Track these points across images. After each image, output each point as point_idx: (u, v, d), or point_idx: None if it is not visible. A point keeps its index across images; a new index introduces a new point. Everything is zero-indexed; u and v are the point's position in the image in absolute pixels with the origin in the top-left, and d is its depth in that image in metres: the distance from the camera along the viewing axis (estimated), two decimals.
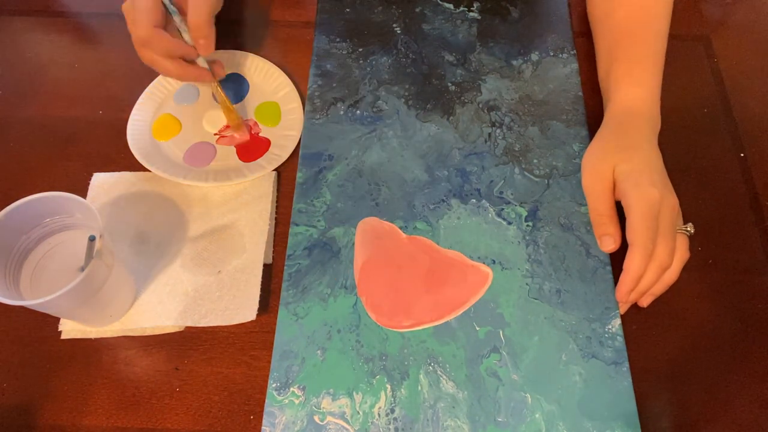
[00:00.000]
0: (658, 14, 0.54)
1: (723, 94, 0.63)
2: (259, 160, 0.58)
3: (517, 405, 0.47)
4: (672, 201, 0.46)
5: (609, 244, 0.47)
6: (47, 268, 0.48)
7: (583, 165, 0.50)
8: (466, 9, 0.68)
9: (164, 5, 0.52)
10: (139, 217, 0.55)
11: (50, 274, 0.47)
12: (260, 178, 0.57)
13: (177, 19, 0.53)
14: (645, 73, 0.52)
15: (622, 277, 0.45)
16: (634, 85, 0.52)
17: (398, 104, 0.62)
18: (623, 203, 0.47)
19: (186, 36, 0.53)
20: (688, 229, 0.48)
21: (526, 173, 0.57)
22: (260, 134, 0.60)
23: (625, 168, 0.47)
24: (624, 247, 0.47)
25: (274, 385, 0.48)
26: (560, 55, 0.65)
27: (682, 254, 0.47)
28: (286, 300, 0.51)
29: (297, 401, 0.47)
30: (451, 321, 0.50)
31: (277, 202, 0.57)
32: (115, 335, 0.50)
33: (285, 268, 0.53)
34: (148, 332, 0.51)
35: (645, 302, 0.47)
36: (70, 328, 0.50)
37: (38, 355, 0.50)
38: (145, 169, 0.57)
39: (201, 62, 0.55)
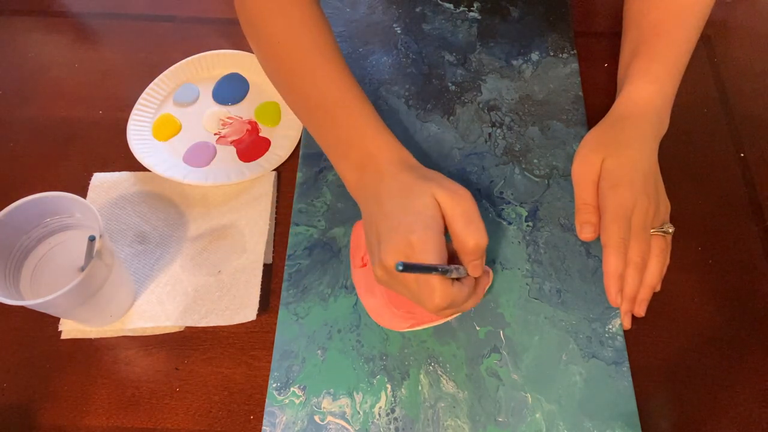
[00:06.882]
0: (691, 20, 0.53)
1: (723, 94, 0.63)
2: (259, 160, 0.58)
3: (517, 405, 0.47)
4: (645, 204, 0.46)
5: (588, 232, 0.47)
6: (47, 268, 0.47)
7: (576, 152, 0.50)
8: (466, 9, 0.68)
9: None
10: (139, 217, 0.55)
11: (50, 274, 0.47)
12: (260, 178, 0.57)
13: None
14: (662, 73, 0.52)
15: (605, 280, 0.46)
16: (649, 82, 0.52)
17: (398, 104, 0.62)
18: (599, 202, 0.47)
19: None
20: (666, 229, 0.48)
21: (526, 173, 0.57)
22: (260, 134, 0.60)
23: (611, 164, 0.48)
24: None
25: (274, 385, 0.48)
26: (560, 55, 0.65)
27: (658, 255, 0.48)
28: (287, 300, 0.51)
29: (297, 401, 0.47)
30: (451, 321, 0.50)
31: (277, 202, 0.57)
32: (115, 335, 0.50)
33: (285, 268, 0.53)
34: (148, 332, 0.50)
35: (640, 311, 0.47)
36: (70, 328, 0.50)
37: (38, 355, 0.50)
38: (145, 169, 0.57)
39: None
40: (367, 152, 0.46)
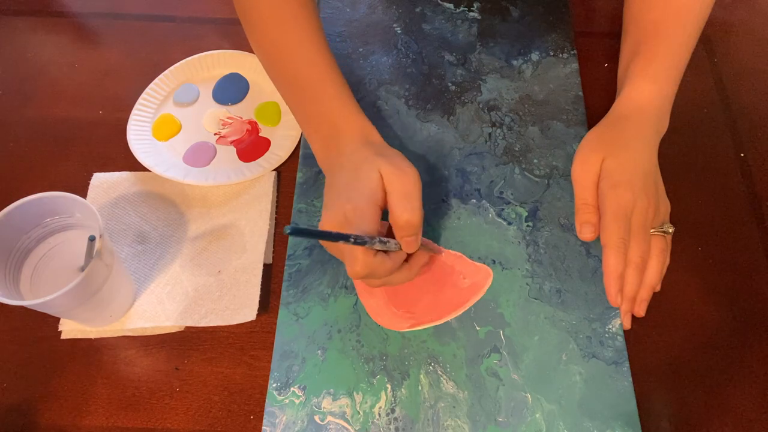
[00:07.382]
0: (691, 20, 0.53)
1: (723, 94, 0.63)
2: (259, 160, 0.58)
3: (517, 405, 0.47)
4: (645, 204, 0.46)
5: (588, 232, 0.47)
6: (47, 268, 0.47)
7: (576, 152, 0.50)
8: (466, 9, 0.68)
9: None
10: (139, 217, 0.55)
11: (50, 274, 0.47)
12: (260, 178, 0.57)
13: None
14: (662, 73, 0.52)
15: (605, 280, 0.46)
16: (648, 82, 0.52)
17: (398, 104, 0.62)
18: (599, 202, 0.47)
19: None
20: (666, 229, 0.48)
21: (526, 173, 0.57)
22: (260, 134, 0.60)
23: (611, 164, 0.48)
24: None
25: (274, 385, 0.48)
26: (560, 55, 0.65)
27: (658, 255, 0.48)
28: (287, 300, 0.51)
29: (297, 401, 0.47)
30: (451, 321, 0.50)
31: (277, 202, 0.57)
32: (115, 335, 0.50)
33: (285, 268, 0.53)
34: (148, 332, 0.50)
35: (640, 311, 0.48)
36: (70, 328, 0.50)
37: (38, 355, 0.50)
38: (145, 169, 0.57)
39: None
40: (334, 128, 0.48)
